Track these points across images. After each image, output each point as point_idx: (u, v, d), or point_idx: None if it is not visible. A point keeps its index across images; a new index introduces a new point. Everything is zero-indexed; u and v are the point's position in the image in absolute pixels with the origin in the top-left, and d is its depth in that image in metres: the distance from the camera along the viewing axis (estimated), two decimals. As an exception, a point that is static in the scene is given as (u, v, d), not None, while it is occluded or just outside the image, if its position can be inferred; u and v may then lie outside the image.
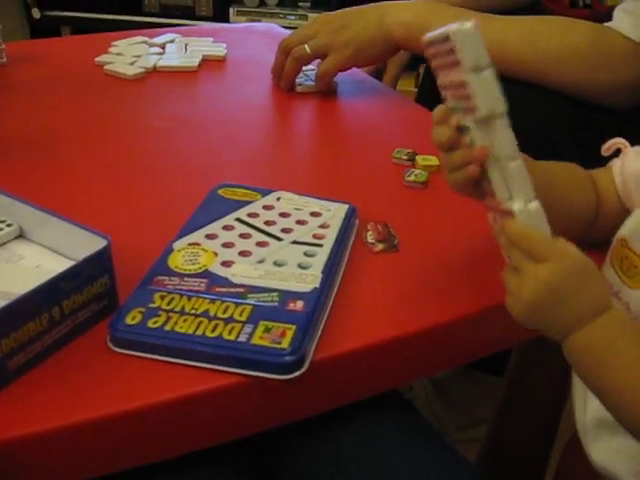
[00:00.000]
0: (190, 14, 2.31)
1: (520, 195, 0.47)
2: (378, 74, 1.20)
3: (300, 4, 2.25)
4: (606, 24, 0.84)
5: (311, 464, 0.57)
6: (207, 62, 1.07)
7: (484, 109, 0.45)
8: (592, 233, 0.59)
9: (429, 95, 1.16)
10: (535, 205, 0.47)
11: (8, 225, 0.59)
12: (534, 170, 0.50)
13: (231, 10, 2.26)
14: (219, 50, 1.11)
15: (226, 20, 2.27)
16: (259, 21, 2.22)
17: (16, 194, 0.59)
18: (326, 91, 0.97)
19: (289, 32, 1.22)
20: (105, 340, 0.50)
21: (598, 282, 0.47)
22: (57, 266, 0.52)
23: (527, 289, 0.46)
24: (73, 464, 0.47)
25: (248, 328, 0.49)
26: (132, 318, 0.50)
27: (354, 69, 0.99)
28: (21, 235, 0.60)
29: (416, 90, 1.39)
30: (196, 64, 1.04)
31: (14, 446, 0.44)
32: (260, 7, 2.27)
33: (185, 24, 2.27)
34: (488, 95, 0.45)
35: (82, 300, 0.49)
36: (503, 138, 0.46)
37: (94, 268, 0.50)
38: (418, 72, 2.17)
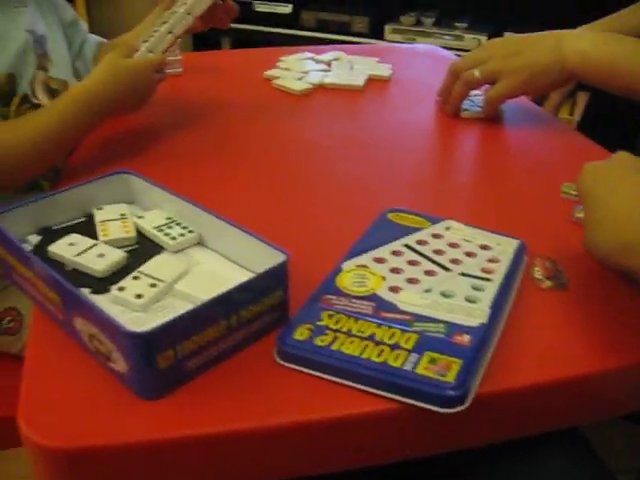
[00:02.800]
0: (346, 30, 2.33)
1: None
2: (539, 101, 1.16)
3: (457, 24, 2.22)
4: None
5: None
6: (372, 81, 1.09)
7: None
8: None
9: (591, 125, 1.11)
10: None
11: (190, 232, 0.62)
12: None
13: (386, 28, 2.27)
14: (385, 70, 1.12)
15: (381, 37, 2.28)
16: (414, 40, 2.21)
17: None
18: (492, 118, 0.95)
19: (451, 54, 1.21)
20: (272, 352, 0.51)
21: None
22: (232, 274, 0.55)
23: None
24: (227, 469, 0.48)
25: (413, 357, 0.49)
26: (300, 334, 0.51)
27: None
28: (200, 242, 0.62)
29: (571, 117, 1.34)
30: (362, 83, 1.06)
31: (181, 444, 0.46)
32: (416, 26, 2.26)
33: (341, 40, 2.30)
34: None
35: (257, 311, 0.51)
36: None
37: (272, 281, 0.52)
38: (574, 101, 2.09)
